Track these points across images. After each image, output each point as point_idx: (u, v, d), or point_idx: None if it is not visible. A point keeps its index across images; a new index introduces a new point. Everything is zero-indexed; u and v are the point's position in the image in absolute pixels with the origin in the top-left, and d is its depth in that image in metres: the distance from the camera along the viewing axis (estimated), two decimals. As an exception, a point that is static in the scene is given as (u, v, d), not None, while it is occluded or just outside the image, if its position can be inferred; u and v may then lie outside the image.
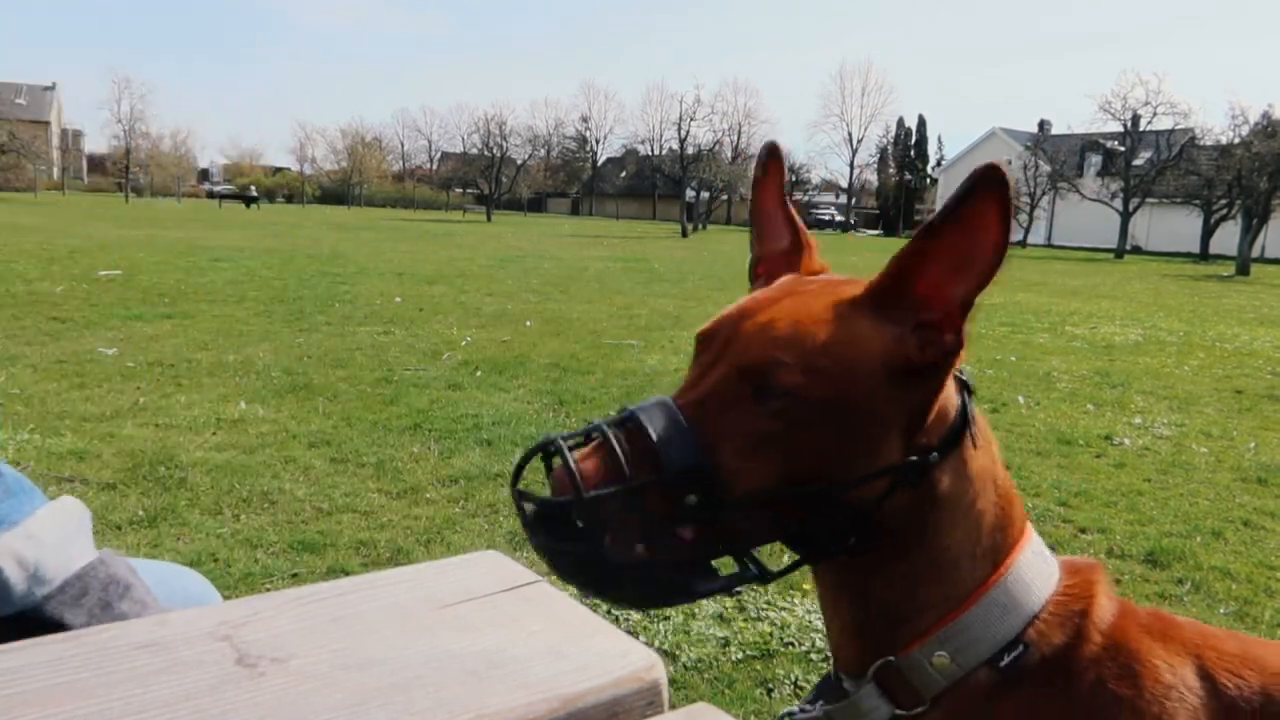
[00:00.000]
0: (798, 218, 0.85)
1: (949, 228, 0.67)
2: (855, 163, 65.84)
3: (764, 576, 0.72)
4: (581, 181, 74.87)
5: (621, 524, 0.66)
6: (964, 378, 0.76)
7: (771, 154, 0.85)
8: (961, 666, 0.71)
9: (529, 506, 0.68)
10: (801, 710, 0.80)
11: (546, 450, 0.69)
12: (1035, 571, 0.74)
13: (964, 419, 0.73)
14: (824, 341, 0.69)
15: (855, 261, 19.06)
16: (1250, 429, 5.83)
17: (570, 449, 0.67)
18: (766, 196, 0.86)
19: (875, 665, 0.74)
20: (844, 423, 0.68)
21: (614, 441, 0.67)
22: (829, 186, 70.19)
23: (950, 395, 0.74)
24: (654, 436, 0.67)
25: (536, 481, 0.73)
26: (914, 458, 0.70)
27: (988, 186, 0.64)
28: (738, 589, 0.72)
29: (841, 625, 0.77)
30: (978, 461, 0.74)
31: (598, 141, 74.65)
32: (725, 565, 0.73)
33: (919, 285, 0.70)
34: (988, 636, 0.71)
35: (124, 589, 0.72)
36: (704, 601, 3.00)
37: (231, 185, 68.20)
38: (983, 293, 0.69)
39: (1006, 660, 0.71)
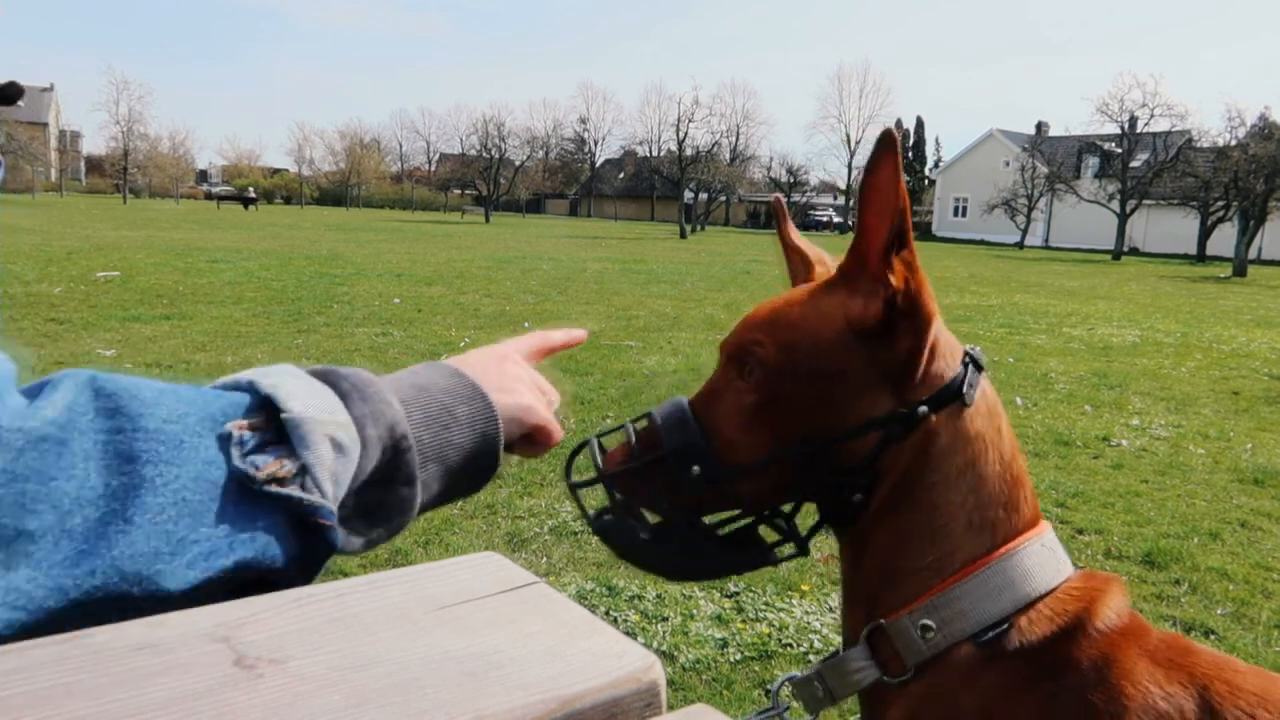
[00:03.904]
0: (801, 244, 0.93)
1: (867, 193, 0.74)
2: (853, 164, 65.88)
3: (797, 543, 0.81)
4: (580, 183, 74.92)
5: (642, 496, 0.80)
6: (974, 353, 0.80)
7: (774, 209, 0.97)
8: (945, 638, 0.72)
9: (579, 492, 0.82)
10: (802, 675, 0.81)
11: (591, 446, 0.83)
12: (1038, 562, 0.74)
13: (960, 384, 0.77)
14: (793, 319, 0.79)
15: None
16: (1247, 430, 5.84)
17: (600, 445, 0.83)
18: (785, 239, 0.95)
19: (867, 628, 0.76)
20: (821, 385, 0.77)
21: (630, 432, 0.82)
22: (827, 188, 70.25)
23: (945, 360, 0.78)
24: (659, 424, 0.80)
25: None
26: (902, 410, 0.75)
27: (884, 149, 0.72)
28: (774, 560, 0.81)
29: (847, 591, 0.80)
30: (976, 424, 0.77)
31: (596, 143, 74.79)
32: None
33: (871, 254, 0.76)
34: (975, 612, 0.72)
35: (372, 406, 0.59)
36: (702, 603, 3.00)
37: (230, 186, 68.23)
38: (906, 249, 0.74)
39: (988, 636, 0.71)
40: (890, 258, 0.74)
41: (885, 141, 0.71)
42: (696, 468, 0.78)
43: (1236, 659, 0.73)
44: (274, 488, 0.51)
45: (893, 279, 0.74)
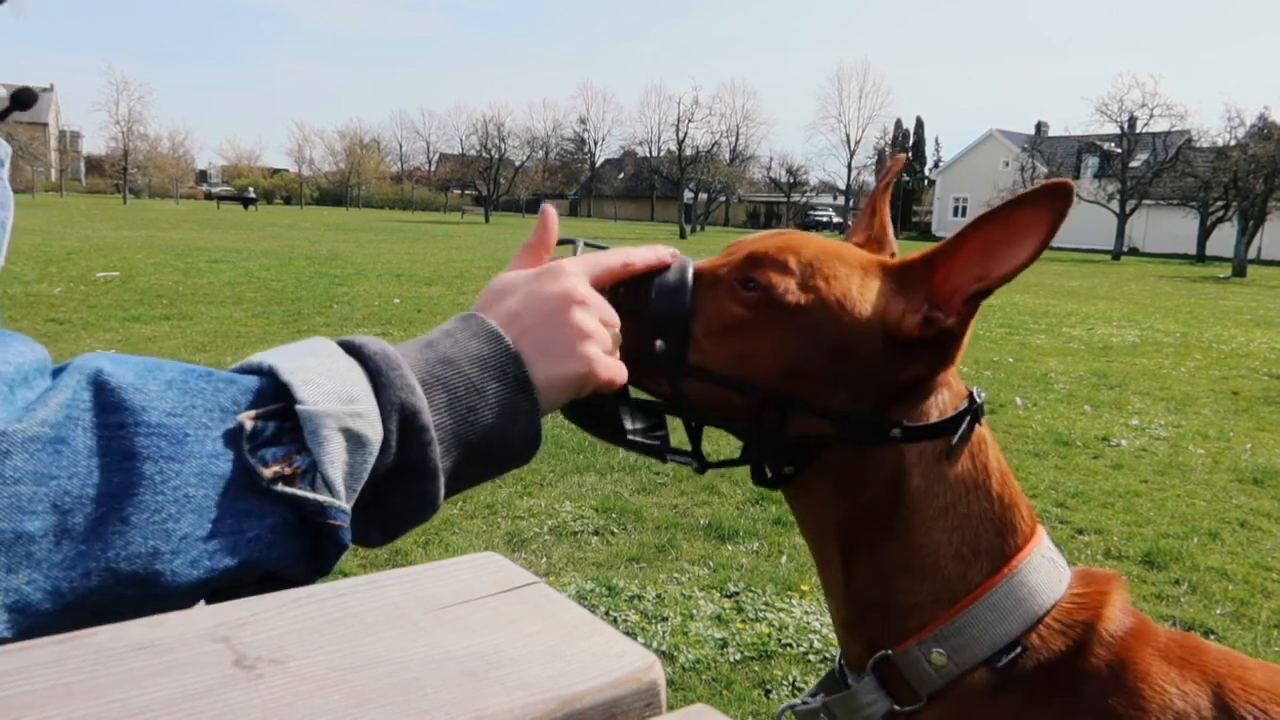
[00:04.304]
0: (886, 215, 0.88)
1: (1001, 220, 0.68)
2: (853, 164, 65.89)
3: (696, 458, 0.75)
4: (580, 183, 74.91)
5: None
6: (978, 399, 0.76)
7: (893, 167, 0.90)
8: (959, 665, 0.71)
9: None
10: (803, 703, 0.80)
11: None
12: (1041, 576, 0.73)
13: (948, 426, 0.74)
14: (835, 273, 0.73)
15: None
16: (1247, 430, 5.84)
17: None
18: (878, 203, 0.90)
19: (874, 659, 0.74)
20: (811, 348, 0.71)
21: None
22: (827, 188, 70.23)
23: (942, 400, 0.75)
24: (655, 280, 0.72)
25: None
26: (871, 418, 0.72)
27: (1052, 197, 0.66)
28: (664, 458, 0.73)
29: (841, 620, 0.78)
30: (956, 469, 0.74)
31: (596, 143, 74.73)
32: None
33: (940, 270, 0.72)
34: (986, 637, 0.71)
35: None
36: (702, 603, 3.00)
37: (229, 186, 68.24)
38: (991, 293, 0.70)
39: (1003, 661, 0.70)
40: (966, 297, 0.70)
41: (1061, 194, 0.65)
42: (661, 343, 0.71)
43: (1243, 654, 0.73)
44: (281, 486, 0.49)
45: (948, 318, 0.71)
